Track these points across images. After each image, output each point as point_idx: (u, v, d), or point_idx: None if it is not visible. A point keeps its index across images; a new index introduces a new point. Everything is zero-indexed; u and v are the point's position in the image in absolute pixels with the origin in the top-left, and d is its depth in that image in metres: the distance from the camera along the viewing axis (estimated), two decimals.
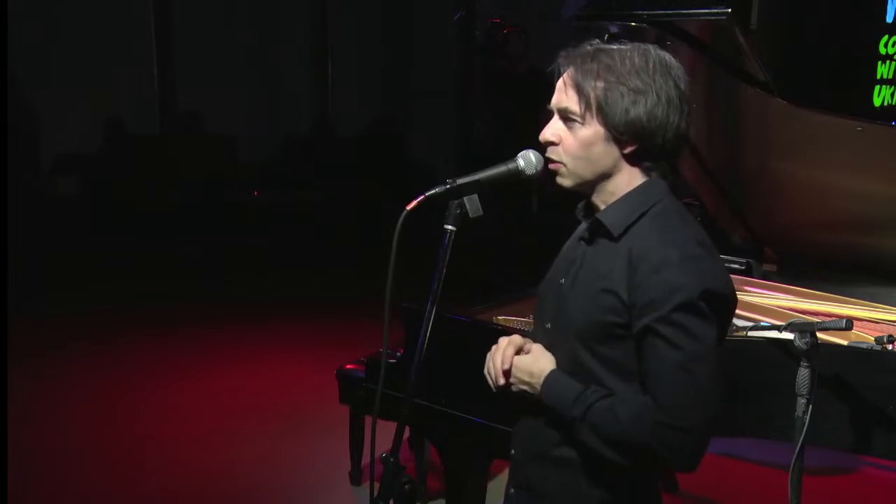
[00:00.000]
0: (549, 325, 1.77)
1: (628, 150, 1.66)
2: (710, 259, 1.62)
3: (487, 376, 1.77)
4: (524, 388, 1.72)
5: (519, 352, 1.75)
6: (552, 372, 1.69)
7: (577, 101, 1.65)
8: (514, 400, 1.76)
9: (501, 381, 1.74)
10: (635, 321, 1.59)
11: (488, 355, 1.78)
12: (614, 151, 1.66)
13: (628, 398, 1.61)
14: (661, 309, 1.56)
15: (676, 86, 1.64)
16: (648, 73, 1.62)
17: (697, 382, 1.56)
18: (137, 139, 8.28)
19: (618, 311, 1.61)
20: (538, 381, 1.69)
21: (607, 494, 1.69)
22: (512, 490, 1.84)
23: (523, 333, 1.83)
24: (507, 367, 1.73)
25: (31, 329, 5.41)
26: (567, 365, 1.69)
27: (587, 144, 1.66)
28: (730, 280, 1.67)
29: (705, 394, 1.57)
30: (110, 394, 4.94)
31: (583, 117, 1.65)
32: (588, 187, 1.71)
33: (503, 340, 1.77)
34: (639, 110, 1.61)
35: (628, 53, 1.64)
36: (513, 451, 1.84)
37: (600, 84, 1.62)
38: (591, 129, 1.65)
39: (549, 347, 1.74)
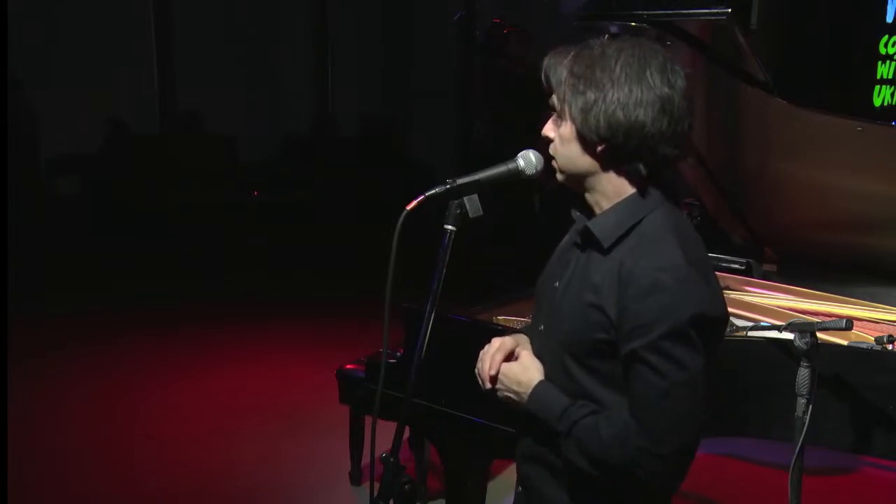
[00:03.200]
0: (542, 328, 1.77)
1: (598, 149, 1.62)
2: (702, 282, 1.58)
3: (477, 377, 1.78)
4: (511, 395, 1.73)
5: (510, 357, 1.75)
6: (540, 383, 1.69)
7: (556, 98, 1.66)
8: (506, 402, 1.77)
9: (488, 385, 1.75)
10: (622, 344, 1.58)
11: (480, 353, 1.79)
12: (587, 150, 1.64)
13: (613, 417, 1.60)
14: (649, 335, 1.54)
15: (651, 85, 1.57)
16: (615, 72, 1.57)
17: (680, 411, 1.56)
18: (137, 139, 8.27)
19: (605, 327, 1.60)
20: (525, 392, 1.70)
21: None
22: (520, 488, 1.85)
23: (519, 331, 1.82)
24: (493, 372, 1.74)
25: (31, 329, 5.41)
26: (557, 372, 1.69)
27: (564, 141, 1.66)
28: (721, 301, 1.65)
29: (687, 422, 1.57)
30: (110, 394, 4.94)
31: (560, 115, 1.66)
32: (576, 185, 1.70)
33: (495, 342, 1.77)
34: (598, 109, 1.58)
35: (604, 51, 1.60)
36: (517, 451, 1.85)
37: (570, 81, 1.61)
38: (568, 127, 1.65)
39: (541, 349, 1.74)
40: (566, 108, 1.63)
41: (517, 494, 1.86)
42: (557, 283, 1.73)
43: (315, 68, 9.27)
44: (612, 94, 1.57)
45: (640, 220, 1.63)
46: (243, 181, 8.53)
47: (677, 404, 1.55)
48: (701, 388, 1.57)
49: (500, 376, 1.73)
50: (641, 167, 1.63)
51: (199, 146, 8.52)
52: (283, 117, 9.22)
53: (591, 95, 1.58)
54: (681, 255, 1.58)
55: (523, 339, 1.82)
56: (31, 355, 5.05)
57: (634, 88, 1.57)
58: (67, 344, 5.64)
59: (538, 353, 1.75)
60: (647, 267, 1.56)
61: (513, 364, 1.74)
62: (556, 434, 1.64)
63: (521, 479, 1.84)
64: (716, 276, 1.67)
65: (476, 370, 1.78)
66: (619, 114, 1.57)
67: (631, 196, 1.65)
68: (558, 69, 1.64)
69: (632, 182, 1.65)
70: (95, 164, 8.12)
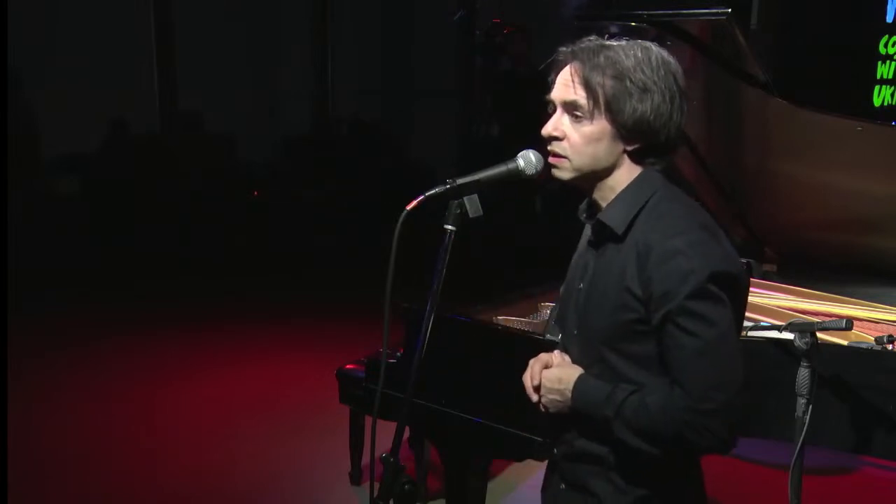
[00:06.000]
0: (576, 332, 1.79)
1: (632, 147, 1.67)
2: (715, 241, 1.65)
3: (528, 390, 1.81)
4: (556, 397, 1.75)
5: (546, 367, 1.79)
6: (580, 377, 1.72)
7: (585, 96, 1.65)
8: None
9: (535, 398, 1.78)
10: (653, 314, 1.62)
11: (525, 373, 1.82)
12: (618, 148, 1.68)
13: (656, 389, 1.64)
14: (675, 299, 1.59)
15: (676, 82, 1.66)
16: (653, 70, 1.63)
17: (717, 366, 1.60)
18: (138, 139, 8.28)
19: (635, 307, 1.64)
20: (567, 388, 1.72)
21: (647, 491, 1.72)
22: (562, 486, 1.85)
23: (553, 344, 1.84)
24: (536, 382, 1.77)
25: (31, 329, 5.41)
26: (598, 369, 1.72)
27: (593, 140, 1.67)
28: (737, 259, 1.71)
29: (726, 375, 1.60)
30: (110, 394, 4.94)
31: (591, 113, 1.65)
32: (587, 182, 1.73)
33: (532, 361, 1.81)
34: (645, 108, 1.63)
35: (631, 50, 1.65)
36: (555, 451, 1.86)
37: (609, 81, 1.63)
38: (598, 126, 1.66)
39: (580, 353, 1.77)
40: (602, 108, 1.64)
41: (559, 492, 1.85)
42: (581, 285, 1.77)
43: (315, 68, 9.27)
44: (657, 97, 1.64)
45: (647, 201, 1.69)
46: (243, 181, 8.53)
47: (713, 360, 1.60)
48: (734, 341, 1.62)
49: (542, 382, 1.76)
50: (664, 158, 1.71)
51: (199, 146, 8.52)
52: (283, 117, 9.23)
53: (639, 97, 1.63)
54: (690, 220, 1.66)
55: (557, 354, 1.83)
56: (31, 355, 5.05)
57: (672, 90, 1.65)
58: (67, 344, 5.64)
59: (578, 359, 1.77)
60: (660, 237, 1.63)
61: (550, 369, 1.78)
62: (605, 419, 1.66)
63: (568, 479, 1.83)
64: (725, 235, 1.71)
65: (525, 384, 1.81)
66: (664, 114, 1.64)
67: (634, 182, 1.70)
68: (592, 71, 1.64)
69: (641, 170, 1.71)
70: (95, 164, 8.12)
